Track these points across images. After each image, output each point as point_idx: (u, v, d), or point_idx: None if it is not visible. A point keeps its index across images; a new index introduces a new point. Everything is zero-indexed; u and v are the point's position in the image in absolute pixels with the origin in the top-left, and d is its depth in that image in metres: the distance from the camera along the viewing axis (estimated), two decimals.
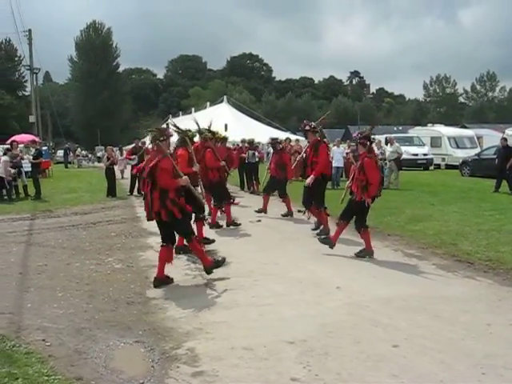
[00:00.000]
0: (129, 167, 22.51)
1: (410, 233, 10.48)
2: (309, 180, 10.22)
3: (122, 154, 35.75)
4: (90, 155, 65.63)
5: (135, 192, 19.36)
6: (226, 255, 8.85)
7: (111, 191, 18.45)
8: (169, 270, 7.45)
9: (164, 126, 11.91)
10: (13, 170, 17.81)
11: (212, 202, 11.92)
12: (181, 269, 8.08)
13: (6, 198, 17.47)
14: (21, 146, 20.93)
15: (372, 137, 8.96)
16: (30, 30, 38.43)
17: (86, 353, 4.96)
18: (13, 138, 26.47)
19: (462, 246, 9.05)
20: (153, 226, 12.06)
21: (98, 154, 55.54)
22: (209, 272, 7.38)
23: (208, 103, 53.14)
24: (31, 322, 5.73)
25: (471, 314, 5.86)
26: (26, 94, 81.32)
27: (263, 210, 13.26)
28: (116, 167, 19.89)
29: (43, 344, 5.14)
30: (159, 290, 6.99)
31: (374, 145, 18.12)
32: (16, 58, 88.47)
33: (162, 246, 7.35)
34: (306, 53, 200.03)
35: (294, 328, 5.47)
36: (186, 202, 7.24)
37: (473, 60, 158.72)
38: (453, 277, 7.47)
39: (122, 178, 26.34)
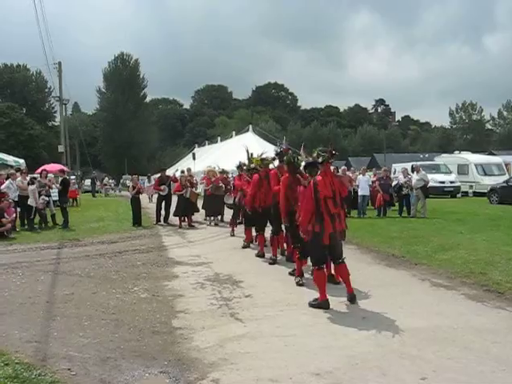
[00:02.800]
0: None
1: (437, 262, 10.33)
2: None
3: (149, 181, 36.18)
4: (117, 184, 66.32)
5: (161, 221, 19.55)
6: (250, 284, 8.86)
7: (137, 220, 18.59)
8: (194, 300, 7.44)
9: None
10: (46, 198, 18.10)
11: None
12: (206, 298, 8.07)
13: (36, 226, 17.70)
14: (50, 175, 21.22)
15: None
16: (59, 63, 39.25)
17: (110, 383, 4.95)
18: (43, 168, 26.95)
19: (492, 276, 8.87)
20: (179, 255, 12.25)
21: (128, 183, 56.24)
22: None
23: (234, 132, 53.50)
24: (57, 351, 5.75)
25: (502, 346, 5.72)
26: (56, 124, 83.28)
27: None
28: (142, 196, 20.04)
29: (68, 373, 5.15)
30: (184, 319, 6.98)
31: (384, 171, 17.75)
32: (46, 90, 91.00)
33: (317, 269, 7.53)
34: (330, 81, 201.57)
35: (319, 359, 5.41)
36: None
37: (499, 86, 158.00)
38: (482, 307, 7.32)
39: (150, 201, 26.63)
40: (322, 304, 7.39)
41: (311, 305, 7.48)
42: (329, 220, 7.43)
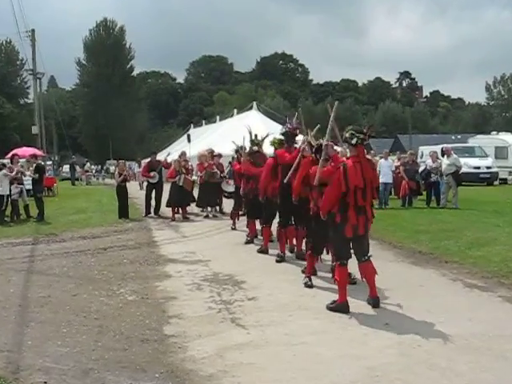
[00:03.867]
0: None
1: (471, 259, 10.32)
2: None
3: (140, 166, 36.23)
4: (100, 170, 66.43)
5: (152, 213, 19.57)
6: (254, 285, 8.87)
7: (123, 212, 18.60)
8: (189, 303, 7.45)
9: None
10: (17, 189, 18.13)
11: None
12: (203, 302, 8.09)
13: (6, 219, 17.73)
14: (22, 160, 21.26)
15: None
16: (33, 31, 39.21)
17: None
18: (14, 152, 26.95)
19: None
20: (172, 252, 12.27)
21: (111, 170, 56.21)
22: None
23: (235, 110, 53.35)
24: (32, 362, 5.78)
25: None
26: (29, 101, 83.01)
27: None
28: (129, 184, 20.03)
29: None
30: (178, 325, 7.01)
31: (410, 155, 17.79)
32: (18, 62, 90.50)
33: (339, 265, 7.53)
34: (347, 51, 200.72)
35: (333, 371, 5.42)
36: None
37: None
38: None
39: (141, 189, 26.70)
40: (340, 307, 7.40)
41: (329, 308, 7.49)
42: (354, 212, 7.41)
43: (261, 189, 11.49)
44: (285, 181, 10.08)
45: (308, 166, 8.90)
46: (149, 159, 21.10)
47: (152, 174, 19.49)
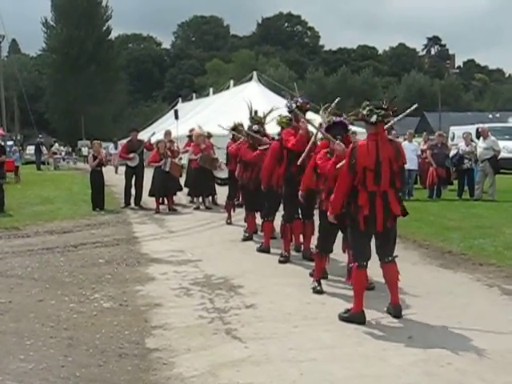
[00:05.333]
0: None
1: (511, 262, 10.35)
2: None
3: (116, 148, 36.16)
4: (70, 152, 66.31)
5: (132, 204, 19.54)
6: (253, 291, 8.88)
7: (98, 202, 18.56)
8: (176, 311, 7.44)
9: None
10: None
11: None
12: (193, 309, 8.11)
13: None
14: None
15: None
16: None
17: None
18: None
19: None
20: (156, 250, 12.28)
21: (85, 152, 56.14)
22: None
23: (232, 81, 53.31)
24: None
25: None
26: None
27: None
28: (105, 169, 19.99)
29: None
30: (163, 338, 7.01)
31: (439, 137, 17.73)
32: None
33: (357, 266, 7.50)
34: (365, 12, 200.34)
35: None
36: None
37: None
38: None
39: (116, 172, 26.66)
40: (355, 317, 7.40)
41: (342, 318, 7.49)
42: (366, 199, 7.40)
43: (263, 177, 11.47)
44: (298, 163, 10.05)
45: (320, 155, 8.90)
46: (129, 138, 21.03)
47: (131, 155, 19.30)
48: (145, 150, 19.70)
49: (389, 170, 7.41)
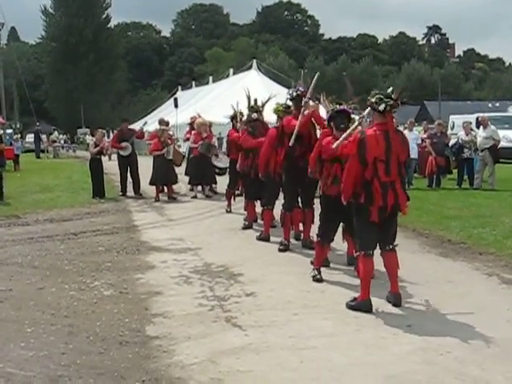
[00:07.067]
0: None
1: (510, 251, 10.35)
2: None
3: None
4: (69, 140, 66.22)
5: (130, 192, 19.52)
6: (253, 279, 8.89)
7: (98, 190, 18.53)
8: (176, 299, 7.45)
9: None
10: None
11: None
12: (193, 297, 8.11)
13: None
14: None
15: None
16: None
17: None
18: None
19: None
20: (156, 238, 12.29)
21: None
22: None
23: (231, 70, 53.25)
24: None
25: None
26: None
27: None
28: (104, 157, 19.95)
29: None
30: (163, 325, 7.02)
31: (439, 126, 17.70)
32: None
33: (363, 255, 7.50)
34: (365, 1, 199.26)
35: (347, 381, 5.45)
36: None
37: None
38: None
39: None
40: (362, 305, 7.41)
41: (349, 306, 7.51)
42: (379, 190, 7.41)
43: (261, 164, 11.45)
44: (290, 144, 10.06)
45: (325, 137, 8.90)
46: (120, 127, 21.06)
47: (124, 144, 19.28)
48: (136, 139, 19.65)
49: (396, 159, 7.44)
